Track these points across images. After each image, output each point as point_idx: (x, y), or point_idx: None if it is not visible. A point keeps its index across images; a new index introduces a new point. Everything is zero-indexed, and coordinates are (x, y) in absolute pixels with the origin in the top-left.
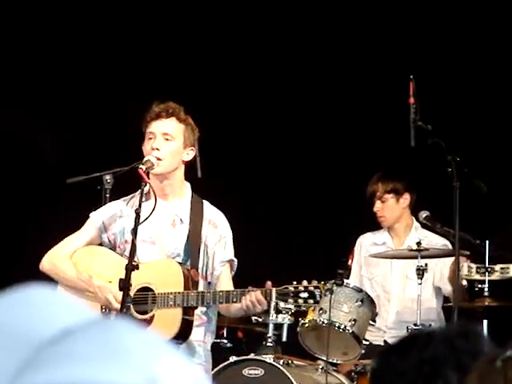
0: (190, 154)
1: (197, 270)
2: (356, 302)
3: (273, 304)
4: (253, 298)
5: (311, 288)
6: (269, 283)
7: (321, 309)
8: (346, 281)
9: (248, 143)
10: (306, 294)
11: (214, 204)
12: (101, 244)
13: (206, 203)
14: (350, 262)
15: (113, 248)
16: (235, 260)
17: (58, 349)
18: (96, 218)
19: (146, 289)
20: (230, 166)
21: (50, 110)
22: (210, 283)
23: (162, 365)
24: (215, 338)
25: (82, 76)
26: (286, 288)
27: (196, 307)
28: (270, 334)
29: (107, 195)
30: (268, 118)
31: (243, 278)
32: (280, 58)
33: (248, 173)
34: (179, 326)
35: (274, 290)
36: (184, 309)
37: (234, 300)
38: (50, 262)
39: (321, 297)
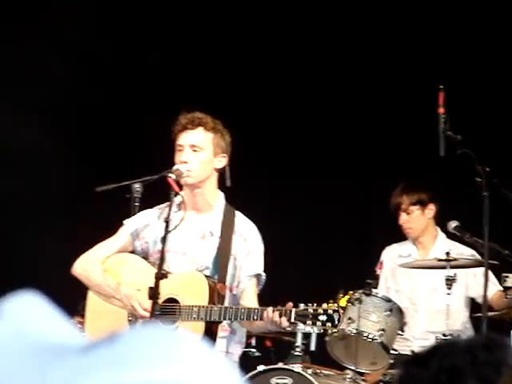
0: (222, 160)
1: (224, 284)
2: (385, 311)
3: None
4: (270, 318)
5: (330, 311)
6: (289, 304)
7: (349, 318)
8: (374, 290)
9: (276, 152)
10: (324, 317)
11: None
12: (133, 251)
13: (238, 214)
14: (378, 271)
15: (145, 257)
16: (263, 275)
17: (111, 352)
18: (129, 224)
19: (173, 300)
20: (258, 176)
21: (78, 119)
22: (235, 295)
23: (211, 366)
24: (244, 347)
25: (115, 84)
26: (306, 310)
27: (220, 321)
28: (298, 343)
29: (136, 204)
30: (296, 127)
31: (272, 288)
32: (309, 64)
33: (276, 183)
34: (200, 338)
35: (293, 310)
36: (207, 323)
37: (255, 318)
38: (81, 266)
39: (339, 321)
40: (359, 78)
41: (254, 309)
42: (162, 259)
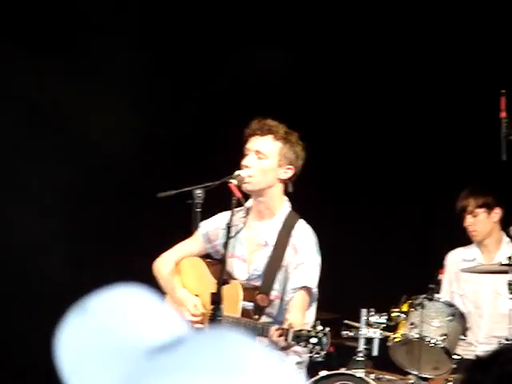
0: (287, 172)
1: (267, 295)
2: (447, 316)
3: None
4: (270, 336)
5: (320, 334)
6: (289, 323)
7: (412, 323)
8: (436, 295)
9: (336, 160)
10: (315, 340)
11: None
12: (208, 255)
13: (299, 224)
14: (440, 276)
15: (221, 259)
16: (313, 288)
17: (177, 357)
18: (202, 227)
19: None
20: (320, 182)
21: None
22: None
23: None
24: None
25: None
26: (301, 331)
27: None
28: (360, 349)
29: (198, 210)
30: (360, 133)
31: (337, 295)
32: (375, 72)
33: (338, 187)
34: None
35: (291, 331)
36: None
37: (264, 334)
38: (156, 265)
39: (326, 345)
40: (421, 85)
41: (264, 325)
42: (223, 265)
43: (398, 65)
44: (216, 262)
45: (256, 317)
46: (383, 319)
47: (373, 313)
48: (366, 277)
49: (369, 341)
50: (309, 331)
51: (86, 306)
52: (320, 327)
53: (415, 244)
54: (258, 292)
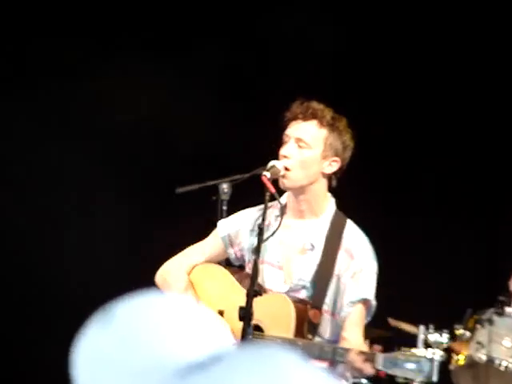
0: (333, 165)
1: (320, 310)
2: None
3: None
4: (352, 362)
5: (422, 360)
6: (376, 347)
7: (478, 342)
8: (508, 309)
9: (390, 157)
10: (413, 366)
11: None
12: (228, 261)
13: (349, 225)
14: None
15: (242, 266)
16: (372, 301)
17: (212, 376)
18: (222, 227)
19: (256, 327)
20: (370, 178)
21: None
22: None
23: None
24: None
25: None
26: (396, 356)
27: None
28: None
29: (224, 207)
30: (422, 130)
31: (393, 310)
32: (442, 64)
33: (392, 183)
34: None
35: (381, 356)
36: None
37: (341, 359)
38: (161, 276)
39: (431, 372)
40: (496, 88)
41: (338, 349)
42: (254, 274)
43: (469, 59)
44: (238, 270)
45: (310, 337)
46: (445, 338)
47: (432, 330)
48: (424, 288)
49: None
50: (407, 355)
51: (111, 312)
52: (421, 350)
53: (482, 249)
54: (310, 306)
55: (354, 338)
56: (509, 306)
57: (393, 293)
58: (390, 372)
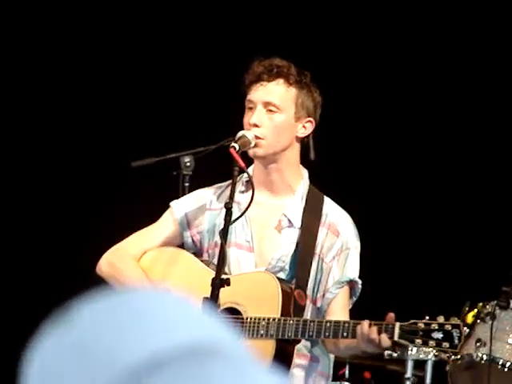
0: (306, 126)
1: (304, 292)
2: None
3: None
4: (365, 334)
5: (448, 327)
6: (391, 315)
7: (478, 340)
8: None
9: (383, 126)
10: (440, 335)
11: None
12: (183, 245)
13: (327, 200)
14: None
15: (198, 252)
16: (359, 282)
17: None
18: (177, 208)
19: (232, 310)
20: (355, 149)
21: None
22: (319, 308)
23: None
24: (333, 380)
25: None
26: (415, 323)
27: (296, 340)
28: (408, 375)
29: (186, 184)
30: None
31: (376, 299)
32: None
33: (380, 162)
34: (270, 363)
35: (397, 325)
36: (278, 342)
37: (345, 334)
38: (109, 263)
39: (460, 340)
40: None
41: (344, 322)
42: (221, 259)
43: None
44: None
45: (294, 318)
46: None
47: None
48: (418, 276)
49: (420, 364)
50: (426, 324)
51: (68, 318)
52: (441, 318)
53: (484, 236)
54: (294, 287)
55: (339, 320)
56: None
57: (382, 283)
58: (410, 344)
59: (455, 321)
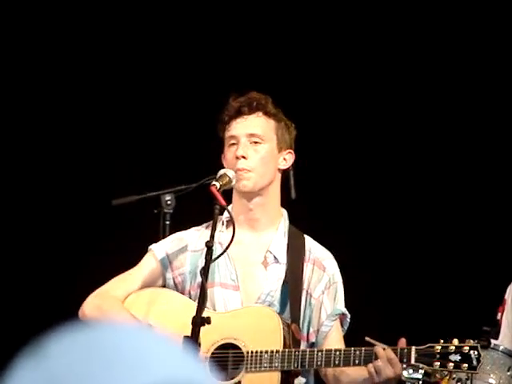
0: (287, 159)
1: (298, 326)
2: (508, 370)
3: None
4: (383, 357)
5: (466, 348)
6: (403, 340)
7: (459, 380)
8: (493, 341)
9: (359, 154)
10: (458, 357)
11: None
12: (164, 286)
13: (307, 238)
14: (499, 316)
15: (181, 294)
16: (348, 315)
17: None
18: (158, 250)
19: (230, 346)
20: (333, 185)
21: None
22: (313, 344)
23: None
24: None
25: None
26: (431, 347)
27: (298, 373)
28: None
29: (167, 222)
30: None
31: (357, 336)
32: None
33: (360, 195)
34: None
35: (413, 348)
36: (282, 373)
37: (357, 362)
38: (95, 306)
39: (479, 362)
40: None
41: (354, 350)
42: (202, 298)
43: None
44: None
45: (299, 349)
46: (419, 374)
47: (404, 365)
48: (398, 314)
49: None
50: (444, 347)
51: (42, 350)
52: (456, 340)
53: (465, 274)
54: (291, 321)
55: (349, 348)
56: (495, 337)
57: (359, 321)
58: (427, 367)
59: (471, 343)
